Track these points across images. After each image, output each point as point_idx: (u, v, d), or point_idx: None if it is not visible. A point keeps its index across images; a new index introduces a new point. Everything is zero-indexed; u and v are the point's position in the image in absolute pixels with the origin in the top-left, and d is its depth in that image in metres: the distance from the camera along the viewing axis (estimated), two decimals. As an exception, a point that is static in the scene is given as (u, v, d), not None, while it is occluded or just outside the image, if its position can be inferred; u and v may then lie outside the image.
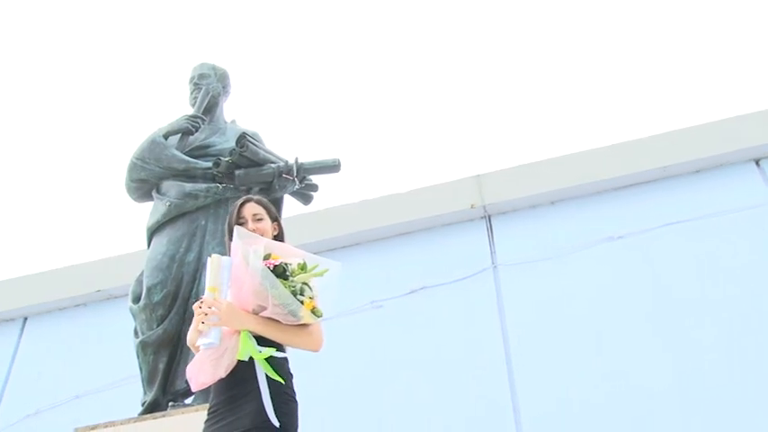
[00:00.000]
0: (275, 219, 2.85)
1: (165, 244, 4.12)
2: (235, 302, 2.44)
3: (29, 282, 6.65)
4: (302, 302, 2.38)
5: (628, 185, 5.95)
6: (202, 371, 2.39)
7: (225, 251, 4.07)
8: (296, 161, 4.20)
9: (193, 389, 2.48)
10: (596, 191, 5.97)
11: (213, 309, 2.36)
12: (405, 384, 5.49)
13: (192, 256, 4.09)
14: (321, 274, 2.43)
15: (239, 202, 2.83)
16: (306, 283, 2.41)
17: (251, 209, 2.79)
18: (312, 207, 4.78)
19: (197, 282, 4.06)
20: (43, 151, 12.74)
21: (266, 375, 2.37)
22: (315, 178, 4.37)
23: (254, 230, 2.69)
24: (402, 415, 5.36)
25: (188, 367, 2.42)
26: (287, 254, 2.50)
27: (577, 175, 5.97)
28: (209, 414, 2.47)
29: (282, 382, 2.40)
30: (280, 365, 2.45)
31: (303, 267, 2.43)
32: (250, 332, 2.41)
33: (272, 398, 2.35)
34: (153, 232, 4.22)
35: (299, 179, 4.21)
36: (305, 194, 4.43)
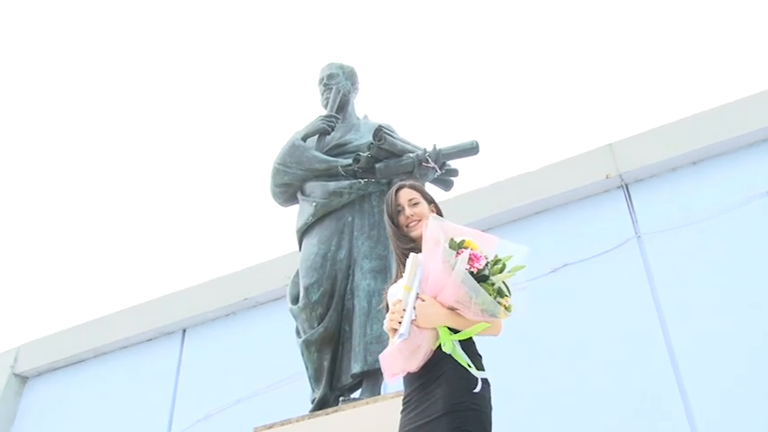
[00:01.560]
0: (431, 201, 2.80)
1: (315, 244, 4.18)
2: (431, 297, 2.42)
3: (185, 295, 6.99)
4: (500, 303, 2.35)
5: (778, 135, 5.58)
6: (395, 362, 2.40)
7: (373, 245, 4.16)
8: (434, 147, 4.16)
9: (386, 379, 2.49)
10: (742, 145, 5.62)
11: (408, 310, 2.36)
12: (558, 365, 5.36)
13: (342, 254, 4.14)
14: (517, 271, 2.39)
15: (393, 189, 2.78)
16: (504, 282, 2.38)
17: (406, 195, 2.74)
18: (444, 194, 4.73)
19: (350, 278, 4.11)
20: (188, 168, 13.36)
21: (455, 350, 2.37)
22: (453, 163, 4.32)
23: (411, 215, 2.68)
24: (556, 396, 5.24)
25: (380, 356, 2.44)
26: (480, 241, 2.44)
27: (719, 130, 5.64)
28: (403, 404, 2.48)
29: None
30: (470, 352, 2.45)
31: (498, 263, 2.38)
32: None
33: (466, 381, 2.35)
34: (303, 233, 4.30)
35: (439, 165, 4.17)
36: (445, 180, 4.38)
